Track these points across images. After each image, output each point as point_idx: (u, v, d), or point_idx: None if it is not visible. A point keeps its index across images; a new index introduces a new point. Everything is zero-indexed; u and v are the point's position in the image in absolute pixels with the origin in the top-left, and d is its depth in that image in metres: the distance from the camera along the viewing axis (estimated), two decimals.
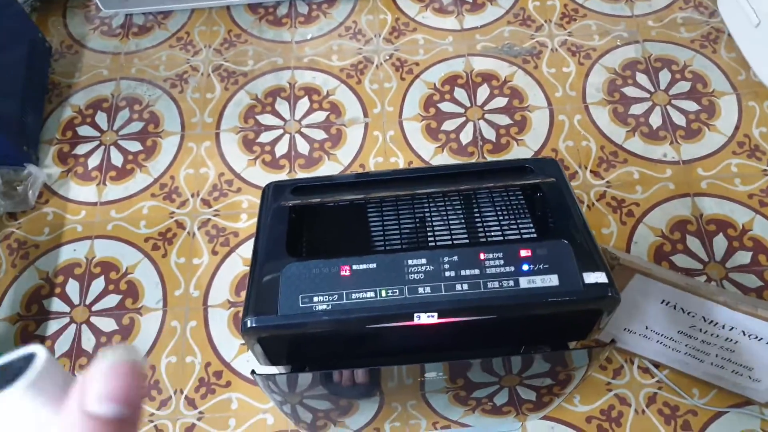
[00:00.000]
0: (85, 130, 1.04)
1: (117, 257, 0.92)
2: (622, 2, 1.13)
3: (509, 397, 0.69)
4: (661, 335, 0.81)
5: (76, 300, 0.89)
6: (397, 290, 0.46)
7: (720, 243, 0.92)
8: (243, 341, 0.85)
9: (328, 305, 0.46)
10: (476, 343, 0.53)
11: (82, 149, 1.02)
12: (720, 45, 1.07)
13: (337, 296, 0.46)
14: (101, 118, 1.05)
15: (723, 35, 1.08)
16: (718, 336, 0.77)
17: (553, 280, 0.47)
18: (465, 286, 0.47)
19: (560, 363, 0.58)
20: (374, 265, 0.47)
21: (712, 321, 0.76)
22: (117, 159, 1.01)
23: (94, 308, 0.89)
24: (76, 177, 1.00)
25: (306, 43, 1.12)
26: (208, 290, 0.89)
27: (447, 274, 0.47)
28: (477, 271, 0.47)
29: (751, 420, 0.82)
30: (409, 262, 0.48)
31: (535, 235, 0.54)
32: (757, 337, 0.75)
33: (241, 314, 0.87)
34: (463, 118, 1.03)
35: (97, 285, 0.90)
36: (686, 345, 0.80)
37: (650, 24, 1.10)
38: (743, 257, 0.91)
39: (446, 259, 0.48)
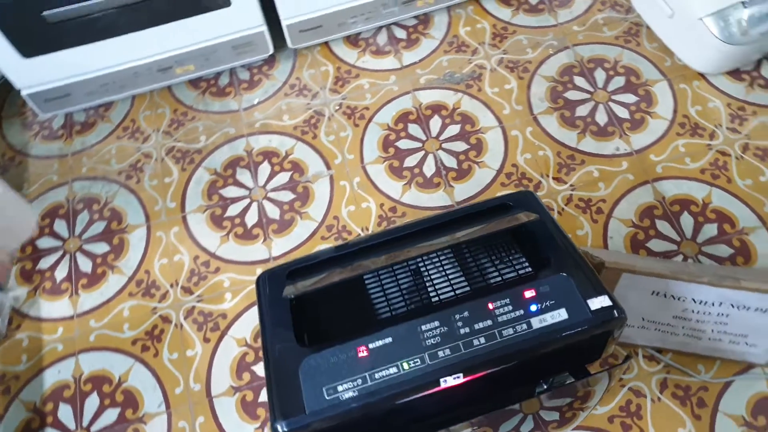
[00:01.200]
0: (45, 242, 1.00)
1: (106, 368, 0.88)
2: (545, 13, 1.17)
3: (534, 422, 0.69)
4: (658, 323, 0.82)
5: (71, 425, 0.84)
6: (418, 359, 0.46)
7: (687, 221, 0.95)
8: (256, 425, 0.82)
9: (354, 391, 0.44)
10: (500, 389, 0.52)
11: (46, 262, 0.98)
12: (642, 38, 1.12)
13: (360, 380, 0.45)
14: (60, 226, 1.01)
15: (642, 28, 1.13)
16: (710, 314, 0.79)
17: (562, 314, 0.47)
18: (482, 340, 0.46)
19: (581, 385, 0.58)
20: (390, 340, 0.47)
21: (701, 301, 0.78)
22: (85, 265, 0.97)
23: (93, 428, 0.84)
24: (45, 293, 0.95)
25: (254, 108, 1.11)
26: (209, 380, 0.86)
27: (462, 331, 0.47)
28: (490, 322, 0.47)
29: (757, 382, 0.84)
30: (423, 327, 0.47)
31: (530, 270, 0.54)
32: (745, 307, 0.77)
33: (249, 398, 0.84)
34: (423, 152, 1.04)
35: (92, 403, 0.85)
36: (683, 327, 0.82)
37: (575, 29, 1.14)
38: (710, 230, 0.94)
39: (457, 317, 0.47)
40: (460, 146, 1.03)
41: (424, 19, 1.18)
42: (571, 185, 0.99)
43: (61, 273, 0.96)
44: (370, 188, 1.00)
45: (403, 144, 1.05)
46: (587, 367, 0.56)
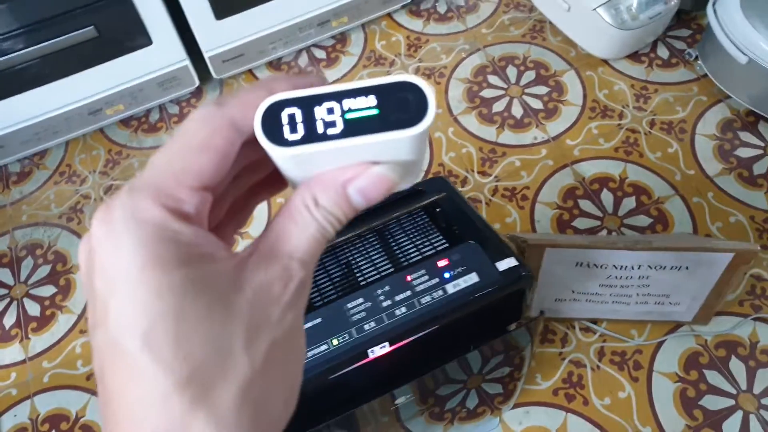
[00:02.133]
0: None
1: (63, 406, 0.89)
2: (455, 20, 1.25)
3: (479, 397, 0.73)
4: (587, 293, 0.89)
5: None
6: (346, 335, 0.50)
7: (607, 197, 1.03)
8: None
9: None
10: (432, 358, 0.57)
11: None
12: (546, 33, 1.21)
13: None
14: (5, 275, 1.02)
15: (546, 24, 1.22)
16: (631, 278, 0.86)
17: (473, 278, 0.52)
18: (403, 309, 0.51)
19: (509, 347, 0.63)
20: (319, 320, 0.51)
21: (621, 266, 0.85)
22: (33, 309, 0.98)
23: None
24: None
25: None
26: None
27: (384, 304, 0.51)
28: (409, 293, 0.52)
29: (686, 339, 0.91)
30: (348, 305, 0.52)
31: (446, 244, 0.59)
32: (661, 266, 0.84)
33: None
34: None
35: None
36: (610, 294, 0.89)
37: (484, 31, 1.22)
38: (629, 203, 1.02)
39: (379, 291, 0.52)
40: None
41: (342, 38, 1.25)
42: (495, 177, 1.05)
43: (9, 320, 0.97)
44: None
45: None
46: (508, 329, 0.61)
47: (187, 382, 0.18)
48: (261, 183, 0.27)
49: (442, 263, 0.53)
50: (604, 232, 1.00)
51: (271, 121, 0.21)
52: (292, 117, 0.21)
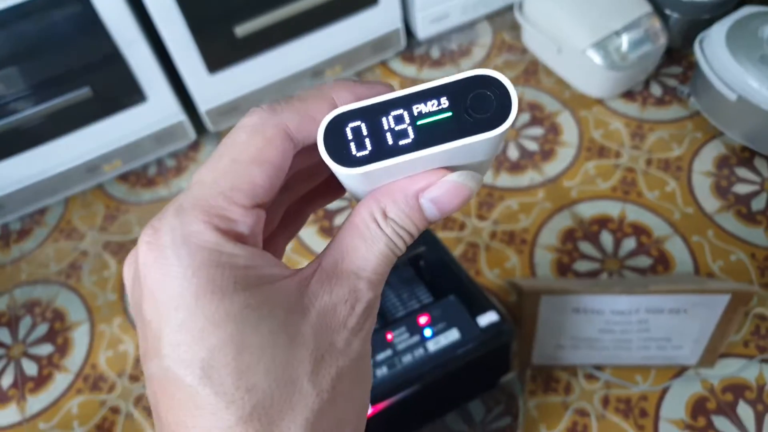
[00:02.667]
0: None
1: None
2: (448, 65, 1.29)
3: None
4: (587, 339, 0.89)
5: None
6: None
7: (606, 239, 1.04)
8: None
9: None
10: (423, 417, 0.58)
11: None
12: (540, 75, 1.24)
13: None
14: (3, 334, 1.05)
15: (539, 66, 1.25)
16: (630, 322, 0.86)
17: (454, 334, 0.54)
18: (384, 369, 0.52)
19: (508, 397, 0.64)
20: None
21: (619, 311, 0.85)
22: (31, 368, 1.00)
23: None
24: None
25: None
26: None
27: None
28: (390, 352, 0.53)
29: (692, 383, 0.90)
30: None
31: (431, 299, 0.61)
32: (659, 310, 0.85)
33: None
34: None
35: None
36: (610, 340, 0.89)
37: None
38: (629, 244, 1.03)
39: None
40: None
41: None
42: (493, 221, 1.07)
43: (6, 380, 0.99)
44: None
45: (335, 203, 1.12)
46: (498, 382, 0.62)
47: (251, 416, 0.18)
48: (316, 189, 0.25)
49: (423, 320, 0.54)
50: (605, 275, 1.00)
51: (335, 137, 0.19)
52: (357, 131, 0.19)
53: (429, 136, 0.19)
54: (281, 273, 0.19)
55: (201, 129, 1.21)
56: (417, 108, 0.19)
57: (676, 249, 1.01)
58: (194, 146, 1.23)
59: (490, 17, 1.32)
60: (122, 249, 1.11)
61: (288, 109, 0.20)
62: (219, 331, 0.17)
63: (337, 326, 0.19)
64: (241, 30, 1.08)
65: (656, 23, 1.13)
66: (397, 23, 1.21)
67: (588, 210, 1.07)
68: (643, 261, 1.01)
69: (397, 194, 0.20)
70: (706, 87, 1.08)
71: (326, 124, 0.20)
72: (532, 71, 1.25)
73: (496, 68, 1.25)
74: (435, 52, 1.30)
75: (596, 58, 1.10)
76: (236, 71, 1.13)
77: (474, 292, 0.57)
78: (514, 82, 1.24)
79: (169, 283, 0.18)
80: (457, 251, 1.04)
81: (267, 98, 1.20)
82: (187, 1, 1.00)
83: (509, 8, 1.26)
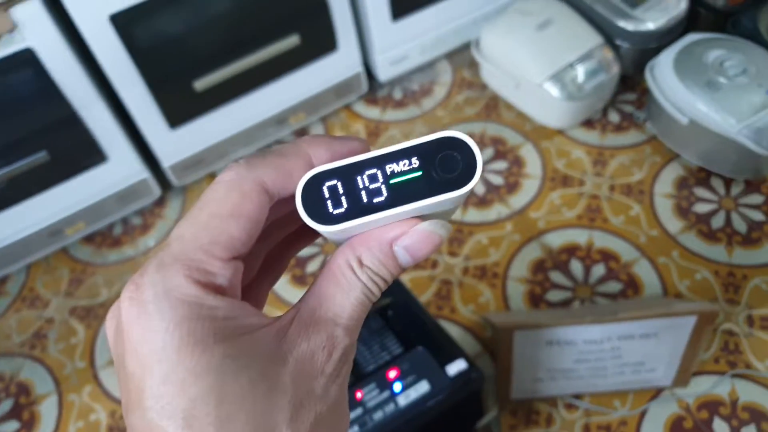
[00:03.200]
0: None
1: None
2: (411, 105, 1.33)
3: None
4: (563, 370, 0.91)
5: None
6: None
7: (576, 266, 1.07)
8: None
9: None
10: None
11: None
12: (500, 109, 1.29)
13: None
14: None
15: (499, 101, 1.30)
16: (603, 350, 0.89)
17: (424, 386, 0.56)
18: (356, 428, 0.54)
19: None
20: None
21: (591, 340, 0.88)
22: None
23: None
24: None
25: (151, 250, 1.18)
26: None
27: None
28: (360, 411, 0.55)
29: (669, 404, 0.93)
30: None
31: (402, 350, 0.63)
32: (630, 336, 0.88)
33: None
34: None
35: None
36: (586, 369, 0.91)
37: (440, 113, 1.30)
38: (599, 270, 1.06)
39: None
40: None
41: (303, 133, 1.32)
42: (465, 256, 1.10)
43: None
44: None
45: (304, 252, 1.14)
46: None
47: None
48: (294, 234, 0.26)
49: (392, 374, 0.56)
50: (577, 303, 1.03)
51: (313, 196, 0.21)
52: (333, 190, 0.21)
53: (401, 194, 0.21)
54: (260, 322, 0.20)
55: (166, 184, 1.23)
56: (390, 167, 0.21)
57: (644, 272, 1.05)
58: (160, 202, 1.25)
59: (449, 56, 1.37)
60: (90, 313, 1.11)
61: (264, 164, 0.21)
62: (200, 382, 0.18)
63: (316, 373, 0.20)
64: (200, 84, 1.11)
65: (608, 53, 1.18)
66: (358, 67, 1.25)
67: (556, 239, 1.10)
68: (614, 286, 1.04)
69: (372, 243, 0.21)
70: (659, 112, 1.14)
71: (304, 184, 0.21)
72: (492, 106, 1.30)
73: (457, 106, 1.30)
74: (397, 93, 1.34)
75: (553, 90, 1.15)
76: (198, 124, 1.16)
77: (442, 340, 0.59)
78: (475, 118, 1.28)
79: (151, 338, 0.19)
80: (430, 290, 1.07)
81: (231, 149, 1.23)
82: (144, 59, 1.03)
83: (467, 46, 1.31)
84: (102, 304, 1.12)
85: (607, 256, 1.08)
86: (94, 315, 1.11)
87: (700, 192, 1.13)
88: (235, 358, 0.19)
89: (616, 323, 0.86)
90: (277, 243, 0.26)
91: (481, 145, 1.25)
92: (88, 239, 1.21)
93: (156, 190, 1.20)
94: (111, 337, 0.21)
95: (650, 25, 1.18)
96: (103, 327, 1.09)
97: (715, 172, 1.14)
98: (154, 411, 0.19)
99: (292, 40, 1.12)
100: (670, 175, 1.16)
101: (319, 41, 1.16)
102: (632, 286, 1.04)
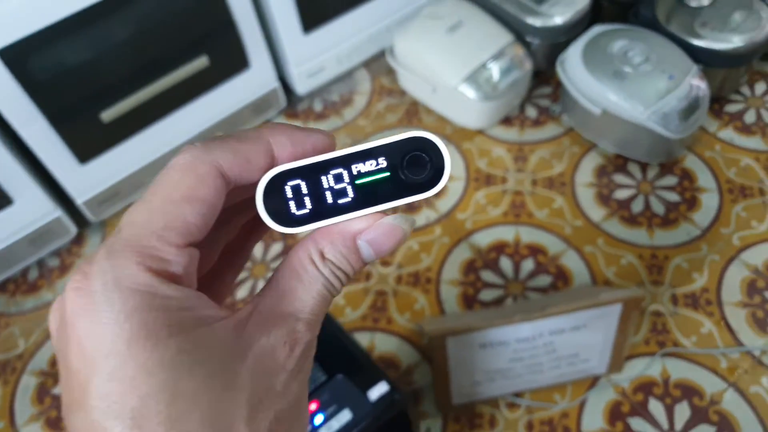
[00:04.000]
0: None
1: None
2: (332, 116, 1.31)
3: None
4: (500, 371, 0.91)
5: None
6: None
7: (506, 263, 1.07)
8: None
9: None
10: None
11: None
12: (420, 114, 1.29)
13: None
14: None
15: (418, 106, 1.29)
16: (536, 347, 0.89)
17: (346, 414, 0.54)
18: None
19: None
20: None
21: (523, 339, 0.88)
22: None
23: None
24: None
25: None
26: None
27: None
28: None
29: (606, 391, 0.95)
30: None
31: (325, 377, 0.60)
32: (560, 331, 0.89)
33: None
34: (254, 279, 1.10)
35: None
36: (522, 367, 0.92)
37: (362, 122, 1.29)
38: (528, 265, 1.07)
39: None
40: None
41: None
42: (397, 265, 1.09)
43: None
44: None
45: None
46: None
47: None
48: (254, 220, 0.24)
49: (313, 407, 0.54)
50: (510, 300, 1.04)
51: (275, 196, 0.19)
52: (297, 190, 0.20)
53: (367, 195, 0.20)
54: (216, 315, 0.19)
55: (82, 221, 1.17)
56: (356, 167, 0.20)
57: (572, 262, 1.06)
58: (77, 240, 1.18)
59: (367, 64, 1.36)
60: (6, 368, 1.04)
61: (222, 148, 0.20)
62: (152, 379, 0.17)
63: (276, 369, 0.19)
64: (108, 115, 1.06)
65: (520, 51, 1.20)
66: (274, 83, 1.22)
67: (484, 239, 1.10)
68: (544, 280, 1.05)
69: (335, 236, 0.21)
70: (573, 104, 1.16)
71: (265, 183, 0.20)
72: (413, 112, 1.29)
73: (378, 114, 1.28)
74: (318, 105, 1.32)
75: (469, 92, 1.15)
76: (110, 156, 1.11)
77: (363, 363, 0.57)
78: (397, 124, 1.28)
79: (99, 331, 0.17)
80: (366, 303, 1.05)
81: (149, 179, 1.18)
82: (42, 93, 0.97)
83: (384, 53, 1.30)
84: (19, 356, 1.05)
85: (535, 251, 1.09)
86: (11, 369, 1.04)
87: (619, 179, 1.16)
88: (190, 352, 0.18)
89: (545, 319, 0.87)
90: (237, 231, 0.25)
91: None
92: (1, 288, 1.14)
93: (72, 229, 1.13)
94: (54, 331, 0.19)
95: (558, 20, 1.20)
96: (24, 380, 1.02)
97: (631, 158, 1.17)
98: (98, 411, 0.17)
99: (200, 62, 1.08)
100: (589, 164, 1.18)
101: (230, 60, 1.13)
102: (562, 277, 1.05)
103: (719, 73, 1.19)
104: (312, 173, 0.20)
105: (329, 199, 0.20)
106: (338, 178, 0.20)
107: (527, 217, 1.12)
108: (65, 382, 0.18)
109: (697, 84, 1.10)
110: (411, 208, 1.15)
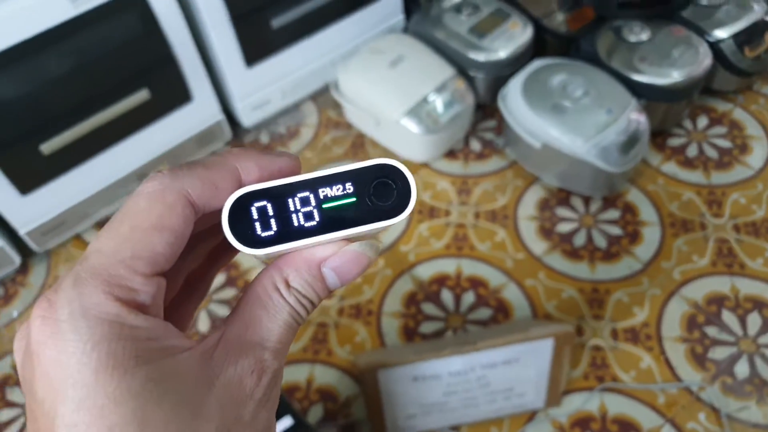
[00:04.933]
0: None
1: None
2: (279, 149, 1.31)
3: None
4: (435, 404, 0.90)
5: None
6: None
7: (447, 296, 1.07)
8: None
9: None
10: None
11: None
12: (366, 147, 1.29)
13: None
14: None
15: (365, 139, 1.30)
16: (469, 381, 0.88)
17: None
18: None
19: None
20: None
21: (456, 373, 0.87)
22: None
23: None
24: None
25: (15, 321, 1.10)
26: None
27: None
28: None
29: (544, 426, 0.93)
30: None
31: None
32: (492, 365, 0.88)
33: None
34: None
35: None
36: (457, 400, 0.90)
37: (309, 155, 1.29)
38: (469, 298, 1.06)
39: None
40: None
41: None
42: (339, 297, 1.07)
43: None
44: None
45: None
46: None
47: None
48: (217, 248, 0.25)
49: None
50: (450, 333, 1.03)
51: (240, 217, 0.19)
52: (263, 211, 0.20)
53: (333, 219, 0.20)
54: (182, 344, 0.19)
55: (26, 251, 1.15)
56: (323, 192, 0.20)
57: (513, 296, 1.06)
58: (22, 270, 1.16)
59: (314, 97, 1.37)
60: None
61: (189, 175, 0.20)
62: (120, 409, 0.17)
63: (244, 398, 0.19)
64: (48, 147, 1.05)
65: (461, 84, 1.21)
66: (218, 116, 1.22)
67: (426, 271, 1.10)
68: (484, 313, 1.05)
69: (300, 264, 0.21)
70: (515, 138, 1.17)
71: (231, 203, 0.20)
72: (359, 144, 1.30)
73: (325, 146, 1.29)
74: (264, 137, 1.32)
75: (411, 125, 1.16)
76: (52, 188, 1.09)
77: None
78: (343, 157, 1.28)
79: (65, 360, 0.17)
80: (307, 335, 1.04)
81: (92, 209, 1.17)
82: None
83: (328, 87, 1.31)
84: None
85: (476, 283, 1.08)
86: None
87: (562, 212, 1.16)
88: (158, 382, 0.17)
89: (477, 353, 0.86)
90: (201, 259, 0.25)
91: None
92: None
93: (16, 259, 1.11)
94: (19, 360, 0.19)
95: (501, 54, 1.22)
96: None
97: (573, 191, 1.18)
98: None
99: (141, 95, 1.08)
100: (532, 197, 1.19)
101: (172, 94, 1.13)
102: (502, 310, 1.05)
103: (660, 108, 1.22)
104: (278, 195, 0.20)
105: (295, 222, 0.20)
106: (305, 201, 0.20)
107: (469, 249, 1.12)
108: (31, 412, 0.18)
109: (636, 118, 1.12)
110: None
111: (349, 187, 0.20)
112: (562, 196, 1.18)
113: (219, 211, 0.20)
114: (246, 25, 1.13)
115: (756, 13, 1.23)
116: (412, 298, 1.07)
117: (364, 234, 0.21)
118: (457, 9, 1.28)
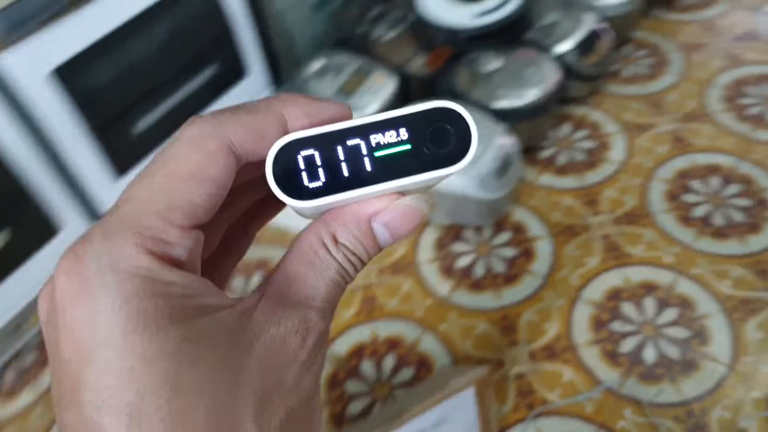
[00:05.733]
0: None
1: None
2: None
3: None
4: None
5: None
6: None
7: (367, 367, 1.05)
8: None
9: None
10: None
11: None
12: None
13: None
14: None
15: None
16: None
17: None
18: None
19: None
20: None
21: None
22: None
23: None
24: None
25: None
26: None
27: None
28: None
29: None
30: None
31: None
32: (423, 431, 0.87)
33: None
34: None
35: None
36: None
37: None
38: (389, 361, 1.06)
39: None
40: None
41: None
42: None
43: None
44: None
45: None
46: None
47: None
48: (259, 203, 0.23)
49: None
50: (378, 405, 1.01)
51: (286, 166, 0.18)
52: (310, 160, 0.18)
53: (387, 168, 0.18)
54: (221, 303, 0.18)
55: None
56: (375, 138, 0.19)
57: (430, 346, 1.06)
58: None
59: None
60: None
61: (232, 121, 0.18)
62: (151, 370, 0.15)
63: (287, 361, 0.18)
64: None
65: None
66: None
67: (343, 346, 1.08)
68: (407, 373, 1.04)
69: (348, 219, 0.20)
70: None
71: (276, 151, 0.18)
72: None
73: None
74: None
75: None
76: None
77: None
78: None
79: (92, 318, 0.16)
80: None
81: None
82: None
83: None
84: None
85: (392, 344, 1.07)
86: None
87: (458, 247, 1.18)
88: (193, 342, 0.16)
89: (404, 426, 0.85)
90: (240, 214, 0.23)
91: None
92: None
93: None
94: (43, 317, 0.17)
95: (371, 108, 1.23)
96: None
97: (464, 224, 1.21)
98: (92, 407, 0.16)
99: (1, 237, 1.01)
100: (428, 240, 1.20)
101: (35, 234, 1.06)
102: (424, 365, 1.04)
103: (525, 126, 1.27)
104: (327, 143, 0.19)
105: (345, 172, 0.18)
106: (355, 150, 0.19)
107: (379, 310, 1.12)
108: (55, 373, 0.17)
109: (504, 143, 1.16)
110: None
111: (404, 133, 0.19)
112: (455, 231, 1.20)
113: (262, 162, 0.19)
114: (105, 138, 1.08)
115: (588, 23, 1.31)
116: (334, 379, 1.05)
117: (418, 186, 0.20)
118: (321, 73, 1.28)
